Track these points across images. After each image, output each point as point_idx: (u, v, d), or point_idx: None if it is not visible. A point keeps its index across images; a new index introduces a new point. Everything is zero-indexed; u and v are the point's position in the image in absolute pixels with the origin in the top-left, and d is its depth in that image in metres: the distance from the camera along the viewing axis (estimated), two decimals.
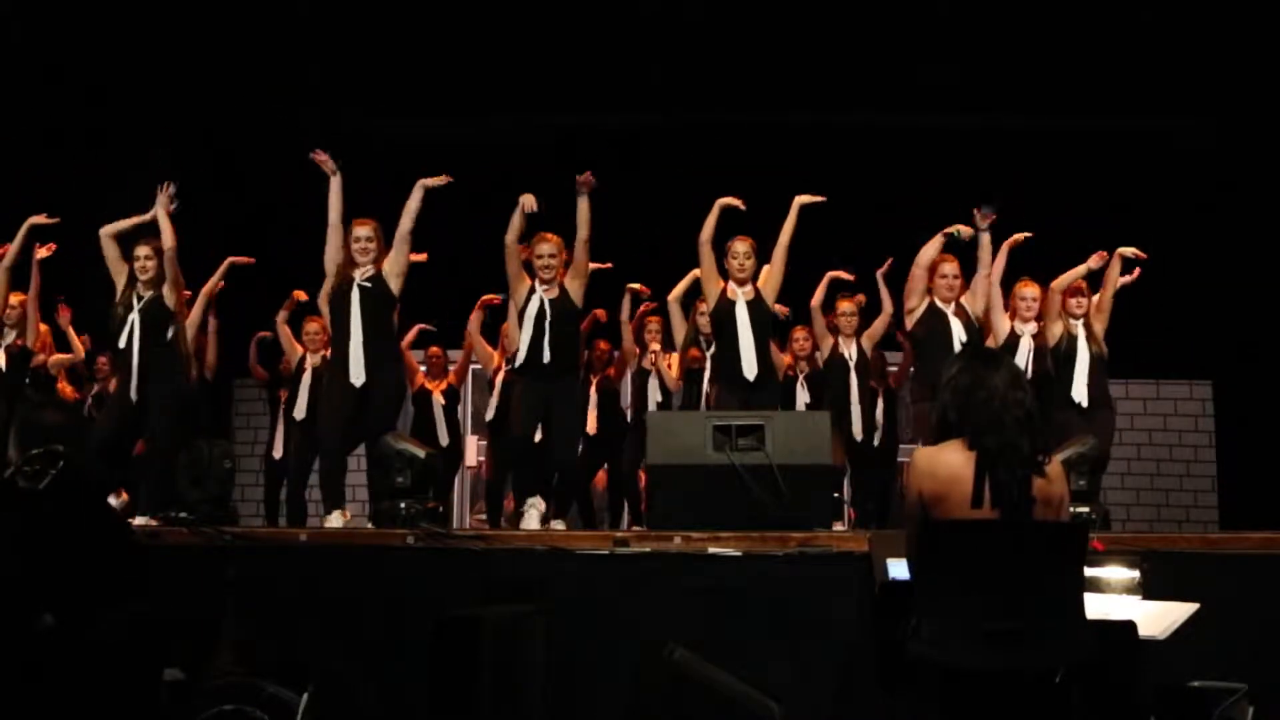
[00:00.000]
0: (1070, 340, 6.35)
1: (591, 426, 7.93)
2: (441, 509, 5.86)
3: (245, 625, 4.27)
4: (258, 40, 8.06)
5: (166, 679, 3.42)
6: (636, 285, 7.61)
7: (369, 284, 5.80)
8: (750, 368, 6.18)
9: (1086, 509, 5.35)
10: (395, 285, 5.84)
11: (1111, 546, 4.23)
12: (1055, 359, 6.34)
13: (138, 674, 3.16)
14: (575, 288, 6.05)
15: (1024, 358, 6.42)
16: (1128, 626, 3.34)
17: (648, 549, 4.60)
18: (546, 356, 5.92)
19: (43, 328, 6.92)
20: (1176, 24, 7.76)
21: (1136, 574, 3.82)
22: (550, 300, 5.98)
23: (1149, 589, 3.79)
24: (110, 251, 5.94)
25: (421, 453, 5.79)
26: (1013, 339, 6.54)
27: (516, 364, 6.17)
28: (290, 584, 4.58)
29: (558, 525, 5.91)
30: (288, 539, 5.01)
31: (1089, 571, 3.41)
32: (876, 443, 7.46)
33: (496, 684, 3.79)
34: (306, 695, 3.72)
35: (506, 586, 4.44)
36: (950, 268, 6.36)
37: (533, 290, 6.04)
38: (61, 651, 2.95)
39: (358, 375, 5.73)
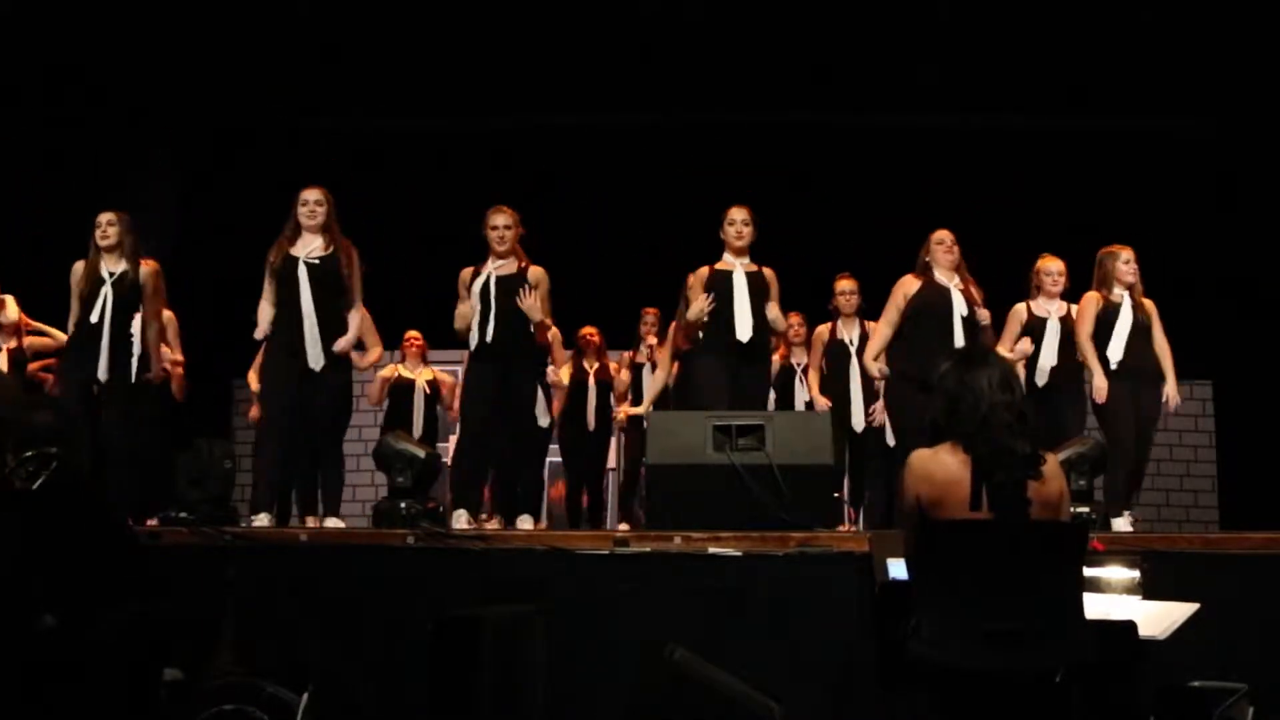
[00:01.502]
0: (1114, 310, 5.95)
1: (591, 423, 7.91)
2: (441, 509, 5.86)
3: (245, 625, 4.26)
4: (258, 40, 8.06)
5: (166, 679, 3.41)
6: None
7: (317, 261, 5.53)
8: (745, 330, 5.92)
9: (1087, 509, 5.35)
10: (346, 275, 5.59)
11: (1111, 546, 4.23)
12: (1097, 326, 5.97)
13: (138, 674, 3.16)
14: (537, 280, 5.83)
15: (1053, 341, 6.15)
16: (1128, 626, 3.34)
17: (648, 549, 4.60)
18: (490, 335, 5.71)
19: (11, 303, 6.76)
20: (1176, 24, 7.76)
21: (1136, 574, 3.82)
22: (500, 277, 5.76)
23: (1149, 589, 3.79)
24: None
25: (421, 453, 5.79)
26: (1035, 322, 6.24)
27: (470, 348, 5.85)
28: (290, 584, 4.57)
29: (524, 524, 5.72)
30: (288, 539, 5.01)
31: (1089, 571, 3.41)
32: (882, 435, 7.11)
33: (496, 684, 3.78)
34: (306, 695, 3.71)
35: (506, 586, 4.44)
36: (943, 234, 6.03)
37: (479, 272, 5.82)
38: (61, 651, 2.95)
39: (316, 359, 5.46)
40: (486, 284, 5.76)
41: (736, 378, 5.94)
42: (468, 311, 5.83)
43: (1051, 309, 6.26)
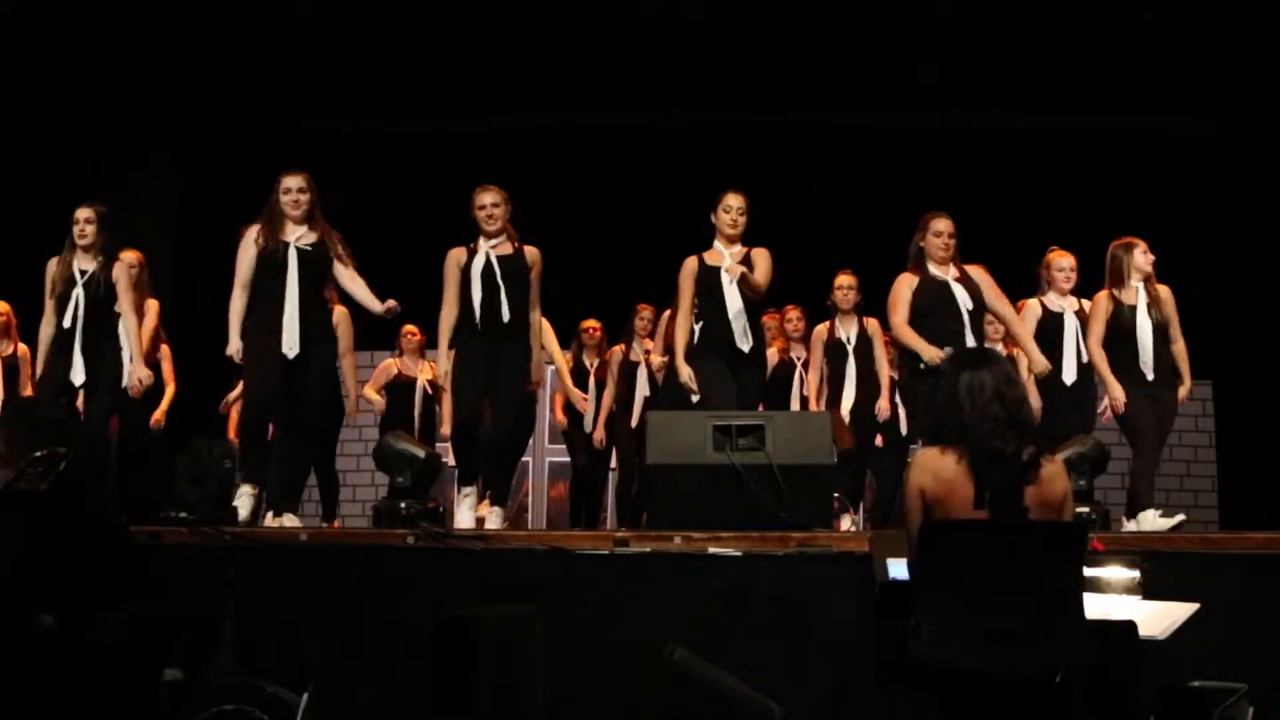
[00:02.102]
0: (1129, 310, 5.83)
1: (598, 431, 7.82)
2: (442, 509, 5.86)
3: (245, 625, 4.26)
4: (258, 40, 8.06)
5: (166, 679, 3.41)
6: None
7: (309, 248, 5.43)
8: (744, 342, 5.78)
9: (1086, 509, 5.35)
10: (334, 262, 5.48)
11: (1111, 546, 4.23)
12: (1111, 331, 5.85)
13: (138, 674, 3.16)
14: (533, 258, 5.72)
15: (1073, 338, 6.05)
16: (1128, 626, 3.34)
17: (648, 549, 4.60)
18: (506, 316, 5.54)
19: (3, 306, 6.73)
20: (1176, 24, 7.76)
21: (1136, 574, 3.82)
22: (500, 257, 5.61)
23: (1149, 589, 3.79)
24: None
25: (421, 453, 5.79)
26: (1051, 318, 6.12)
27: (463, 330, 5.65)
28: (290, 584, 4.58)
29: (492, 517, 5.61)
30: (288, 539, 5.01)
31: (1089, 571, 3.42)
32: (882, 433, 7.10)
33: (496, 684, 3.79)
34: (306, 695, 3.72)
35: (506, 586, 4.44)
36: (944, 224, 5.78)
37: (473, 252, 5.63)
38: (61, 652, 2.95)
39: (291, 346, 5.31)
40: (488, 266, 5.60)
41: (735, 375, 5.83)
42: (451, 320, 5.71)
43: (1065, 305, 6.19)
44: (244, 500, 5.38)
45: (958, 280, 5.78)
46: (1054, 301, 6.22)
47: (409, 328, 7.74)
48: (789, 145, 8.97)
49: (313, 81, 8.54)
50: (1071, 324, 6.12)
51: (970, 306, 5.74)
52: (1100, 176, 8.82)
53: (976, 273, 5.86)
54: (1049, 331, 6.14)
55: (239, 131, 8.97)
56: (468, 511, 5.65)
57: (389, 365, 7.71)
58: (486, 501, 5.85)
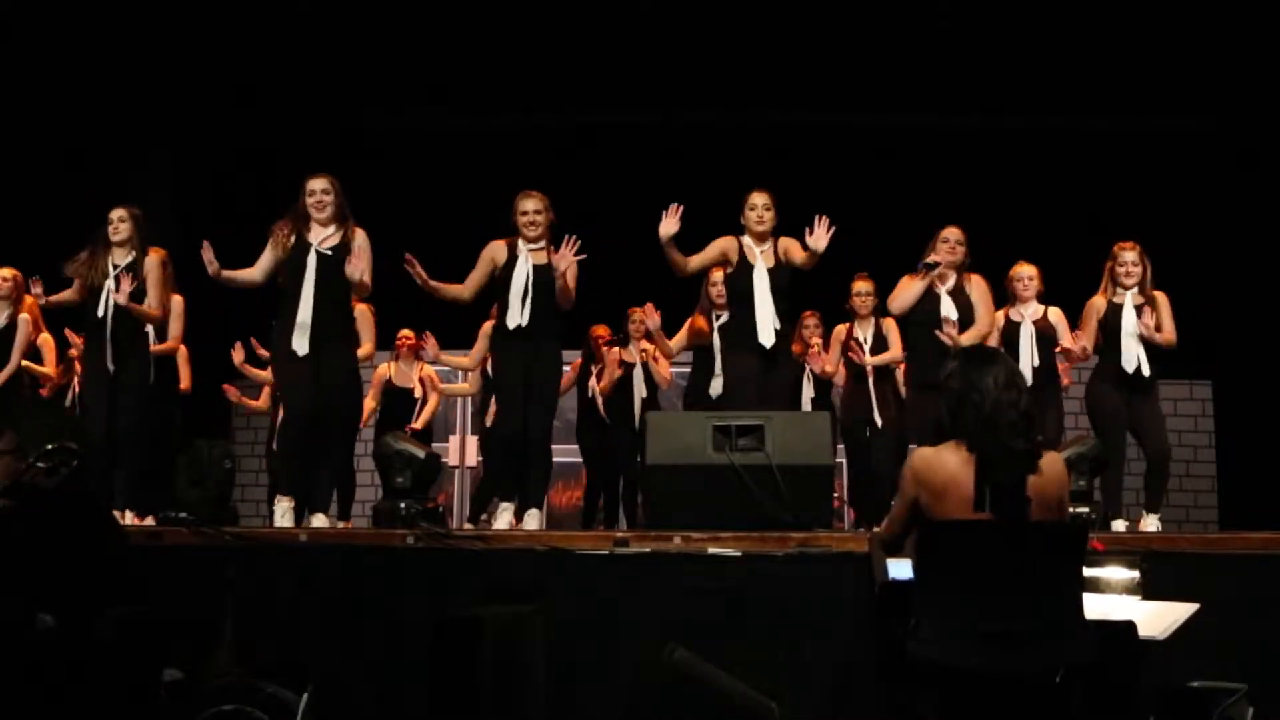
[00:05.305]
0: (1115, 310, 6.03)
1: None
2: (442, 509, 5.86)
3: (245, 625, 4.26)
4: (258, 39, 8.07)
5: (166, 679, 3.41)
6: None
7: (330, 252, 5.43)
8: (767, 335, 5.82)
9: (1086, 509, 5.35)
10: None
11: (1111, 546, 4.23)
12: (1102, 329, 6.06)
13: (137, 674, 3.16)
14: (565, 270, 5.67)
15: (1028, 344, 6.21)
16: (1128, 626, 3.34)
17: (648, 549, 4.60)
18: (529, 320, 5.60)
19: (29, 299, 6.66)
20: (1176, 23, 7.77)
21: (1136, 574, 3.82)
22: (537, 266, 5.66)
23: (1149, 589, 3.79)
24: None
25: (421, 453, 5.80)
26: (1010, 327, 6.33)
27: (505, 333, 5.72)
28: (290, 584, 4.58)
29: (530, 521, 5.63)
30: (288, 539, 5.01)
31: (1089, 571, 3.41)
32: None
33: (496, 684, 3.78)
34: (306, 695, 3.71)
35: (506, 586, 4.44)
36: (952, 233, 6.02)
37: (514, 253, 5.70)
38: (61, 651, 2.95)
39: (302, 345, 5.34)
40: (525, 272, 5.64)
41: (765, 371, 5.86)
42: (462, 299, 5.74)
43: (1026, 313, 6.35)
44: (283, 514, 5.39)
45: (950, 294, 6.01)
46: (1016, 311, 6.41)
47: (404, 332, 7.69)
48: (790, 145, 8.96)
49: (312, 80, 8.54)
50: (1028, 331, 6.28)
51: (955, 318, 5.95)
52: (1100, 176, 8.82)
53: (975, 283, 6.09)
54: (1008, 340, 6.30)
55: (239, 131, 8.97)
56: (505, 524, 5.65)
57: (382, 370, 7.68)
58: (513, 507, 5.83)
